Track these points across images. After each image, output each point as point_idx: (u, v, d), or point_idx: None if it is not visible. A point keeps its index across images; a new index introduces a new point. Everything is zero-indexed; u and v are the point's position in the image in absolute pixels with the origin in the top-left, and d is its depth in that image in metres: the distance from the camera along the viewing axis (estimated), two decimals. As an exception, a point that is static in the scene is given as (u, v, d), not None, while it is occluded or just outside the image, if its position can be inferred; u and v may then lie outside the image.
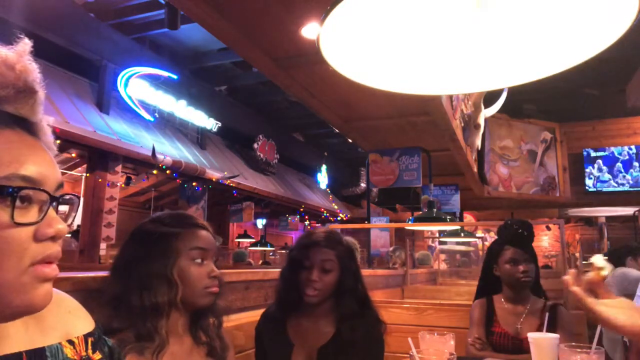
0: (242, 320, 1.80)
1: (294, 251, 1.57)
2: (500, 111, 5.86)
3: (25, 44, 0.54)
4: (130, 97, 7.27)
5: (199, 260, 1.17)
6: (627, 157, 8.17)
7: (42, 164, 0.53)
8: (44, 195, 0.52)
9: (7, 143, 0.51)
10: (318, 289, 1.47)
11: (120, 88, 7.17)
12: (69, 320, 0.63)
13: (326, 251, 1.51)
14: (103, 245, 6.53)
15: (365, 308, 1.56)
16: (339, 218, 12.90)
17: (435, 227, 6.33)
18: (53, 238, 0.52)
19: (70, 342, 0.61)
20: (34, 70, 0.54)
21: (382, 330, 1.57)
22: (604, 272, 0.97)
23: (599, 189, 8.27)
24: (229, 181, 8.56)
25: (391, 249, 6.08)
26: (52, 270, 0.52)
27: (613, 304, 0.93)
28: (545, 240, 12.92)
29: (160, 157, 6.95)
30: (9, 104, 0.52)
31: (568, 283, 0.94)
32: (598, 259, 1.09)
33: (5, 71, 0.51)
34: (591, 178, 8.24)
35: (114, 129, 6.68)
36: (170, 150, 7.69)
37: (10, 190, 0.48)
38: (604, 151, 8.24)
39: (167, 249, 1.13)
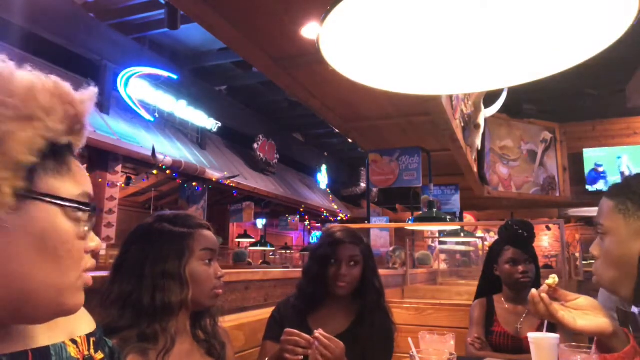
0: (242, 320, 1.80)
1: (320, 249, 1.65)
2: (500, 111, 5.86)
3: (92, 91, 0.62)
4: (130, 97, 7.27)
5: (207, 261, 1.17)
6: (627, 157, 8.17)
7: (90, 185, 0.61)
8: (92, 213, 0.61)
9: (75, 167, 0.60)
10: (347, 282, 1.58)
11: (120, 88, 7.17)
12: (72, 320, 0.64)
13: (353, 247, 1.61)
14: (103, 245, 6.52)
15: (382, 303, 1.64)
16: (339, 218, 12.90)
17: (435, 227, 6.32)
18: (92, 251, 0.61)
19: (74, 341, 0.63)
20: (90, 108, 0.61)
21: (394, 330, 1.63)
22: (550, 282, 1.11)
23: (599, 189, 8.26)
24: (229, 181, 8.56)
25: (391, 249, 6.08)
26: (90, 279, 0.61)
27: (577, 305, 1.07)
28: (545, 240, 12.93)
29: (160, 157, 6.95)
30: (66, 136, 0.58)
31: (535, 296, 1.08)
32: (550, 279, 1.22)
33: (67, 108, 0.57)
34: (591, 178, 8.24)
35: (114, 129, 6.68)
36: (170, 150, 7.68)
37: (89, 207, 0.58)
38: (604, 151, 8.24)
39: (180, 249, 1.13)
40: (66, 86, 0.59)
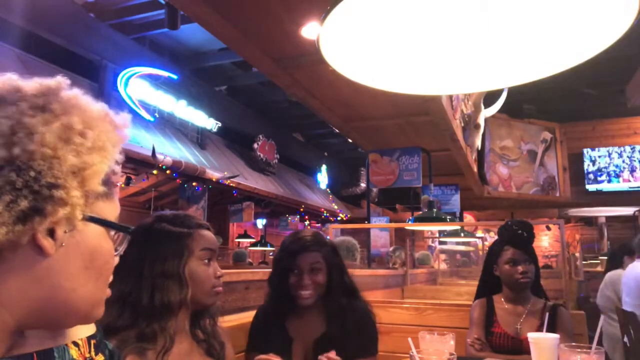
0: (242, 320, 1.80)
1: (282, 259, 1.60)
2: (500, 111, 5.86)
3: (128, 117, 0.65)
4: (130, 97, 7.26)
5: (206, 261, 1.18)
6: (626, 157, 8.17)
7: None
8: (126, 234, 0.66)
9: (116, 190, 0.64)
10: (312, 290, 1.54)
11: (120, 88, 7.16)
12: None
13: (314, 255, 1.56)
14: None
15: (353, 300, 1.62)
16: (339, 218, 12.90)
17: (435, 227, 6.32)
18: None
19: (75, 343, 0.63)
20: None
21: (372, 320, 1.62)
22: None
23: (599, 189, 8.26)
24: (229, 181, 8.55)
25: (391, 249, 6.08)
26: (110, 292, 0.66)
27: None
28: (545, 240, 12.91)
29: (160, 157, 6.95)
30: (117, 164, 0.63)
31: None
32: None
33: (122, 137, 0.62)
34: (591, 178, 8.24)
35: (114, 129, 6.66)
36: (170, 150, 7.68)
37: (129, 230, 0.64)
38: (604, 151, 8.24)
39: (179, 249, 1.14)
40: (120, 116, 0.64)
